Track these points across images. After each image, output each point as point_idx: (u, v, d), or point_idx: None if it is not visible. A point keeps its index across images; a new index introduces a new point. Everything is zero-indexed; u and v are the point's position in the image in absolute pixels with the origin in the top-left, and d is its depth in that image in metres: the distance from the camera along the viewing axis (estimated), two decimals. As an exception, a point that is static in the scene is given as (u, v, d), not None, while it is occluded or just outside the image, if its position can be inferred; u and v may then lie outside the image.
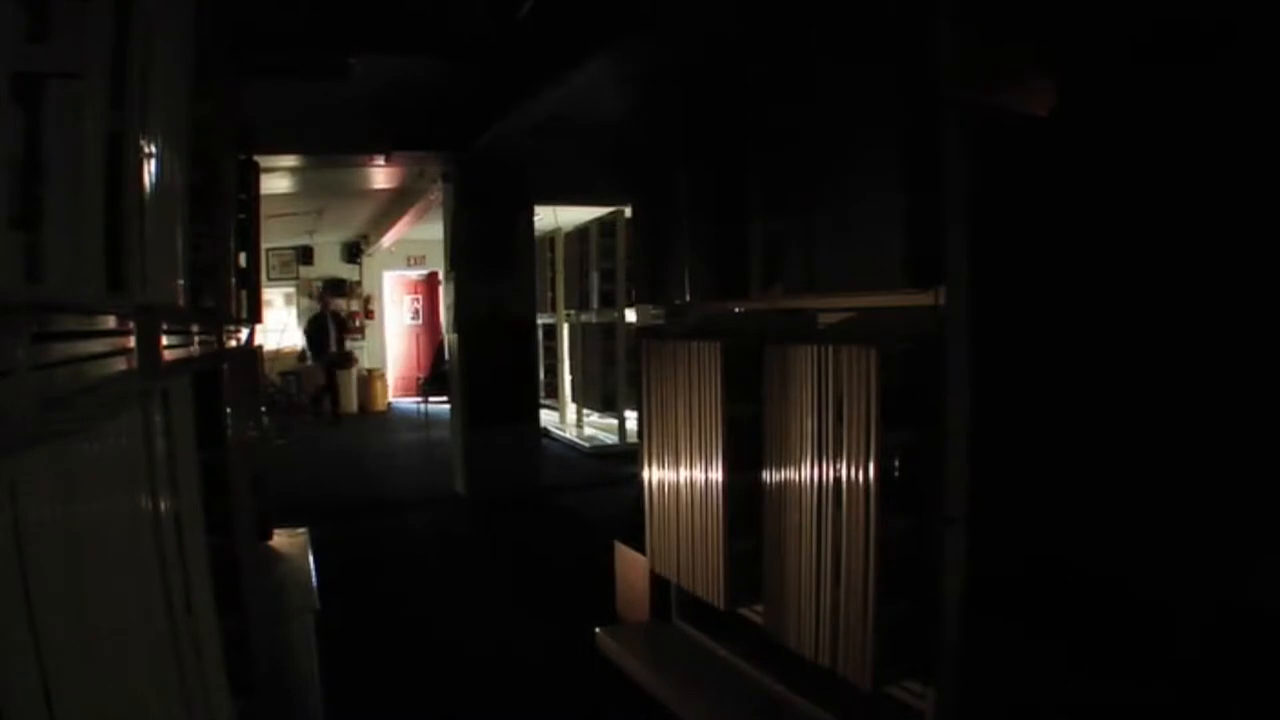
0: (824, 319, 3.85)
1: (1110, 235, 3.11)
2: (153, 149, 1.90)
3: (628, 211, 10.31)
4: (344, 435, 14.11)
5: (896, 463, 3.07)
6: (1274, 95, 2.72)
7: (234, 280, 4.69)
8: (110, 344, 1.81)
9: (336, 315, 16.94)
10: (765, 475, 3.67)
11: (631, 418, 9.71)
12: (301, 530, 5.86)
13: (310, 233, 16.17)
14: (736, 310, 4.29)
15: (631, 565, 5.08)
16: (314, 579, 4.88)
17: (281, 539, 5.71)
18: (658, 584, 4.82)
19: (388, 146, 8.45)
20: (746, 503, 3.81)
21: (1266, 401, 2.75)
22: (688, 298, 4.57)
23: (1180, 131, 2.93)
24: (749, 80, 4.08)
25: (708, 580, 4.06)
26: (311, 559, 5.23)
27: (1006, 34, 3.08)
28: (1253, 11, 2.76)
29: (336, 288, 18.18)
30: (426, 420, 13.73)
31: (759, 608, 3.87)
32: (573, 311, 12.52)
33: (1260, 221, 2.78)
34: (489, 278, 8.87)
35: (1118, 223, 3.09)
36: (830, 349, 3.23)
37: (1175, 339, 2.94)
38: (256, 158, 6.35)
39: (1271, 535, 2.78)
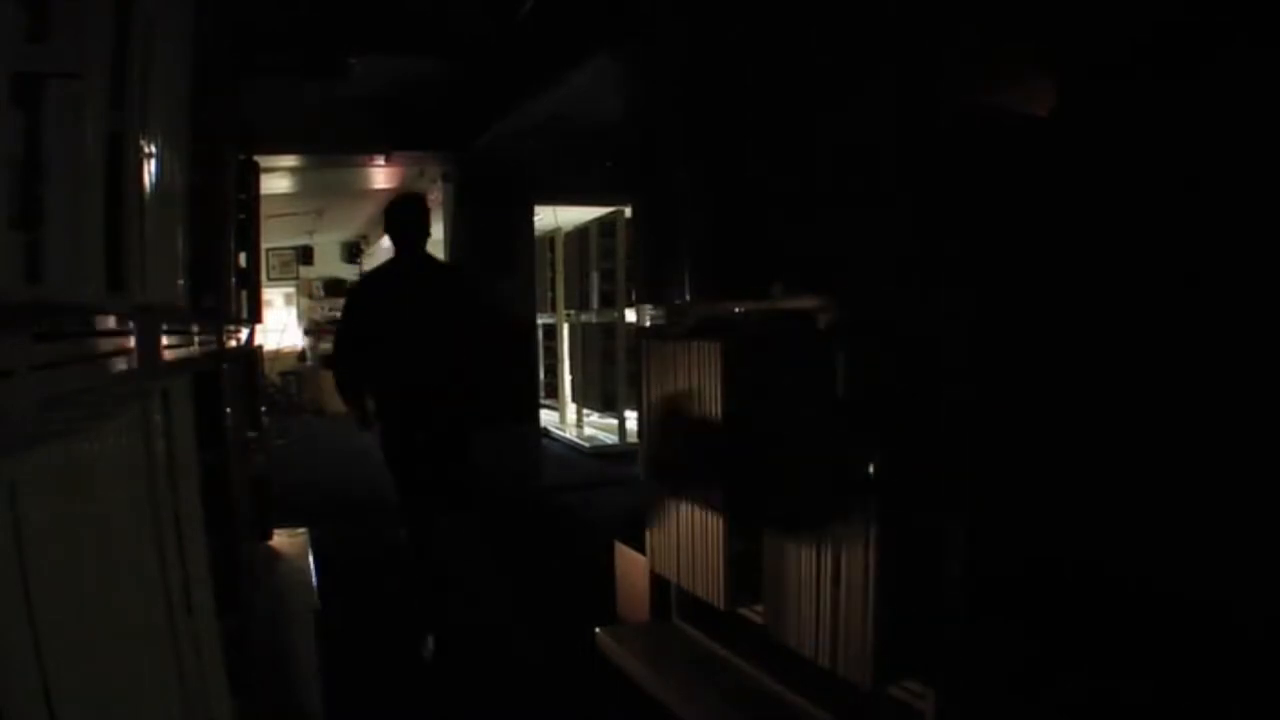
0: (825, 319, 3.85)
1: (1114, 232, 3.11)
2: (153, 149, 1.90)
3: (628, 211, 10.31)
4: (345, 436, 14.08)
5: (898, 462, 3.07)
6: (1272, 96, 2.72)
7: (234, 280, 4.70)
8: (110, 344, 1.82)
9: (453, 276, 6.07)
10: (763, 474, 3.67)
11: (631, 418, 9.72)
12: (302, 530, 5.86)
13: (310, 233, 16.17)
14: (736, 310, 4.29)
15: (631, 565, 5.08)
16: (314, 579, 4.88)
17: (281, 539, 5.71)
18: (658, 584, 4.82)
19: (388, 146, 8.46)
20: (745, 501, 3.81)
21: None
22: (687, 298, 4.58)
23: (1181, 132, 2.94)
24: (749, 79, 4.08)
25: (708, 580, 4.06)
26: (311, 559, 5.23)
27: (1006, 34, 3.08)
28: (1252, 12, 2.77)
29: (336, 286, 18.02)
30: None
31: (759, 608, 3.87)
32: (573, 311, 12.53)
33: (1258, 217, 2.79)
34: (489, 278, 8.87)
35: (1120, 221, 3.09)
36: (830, 348, 3.23)
37: (1178, 334, 2.95)
38: (256, 158, 6.35)
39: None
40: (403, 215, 5.30)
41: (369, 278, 6.03)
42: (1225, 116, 2.85)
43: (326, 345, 17.02)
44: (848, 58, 3.44)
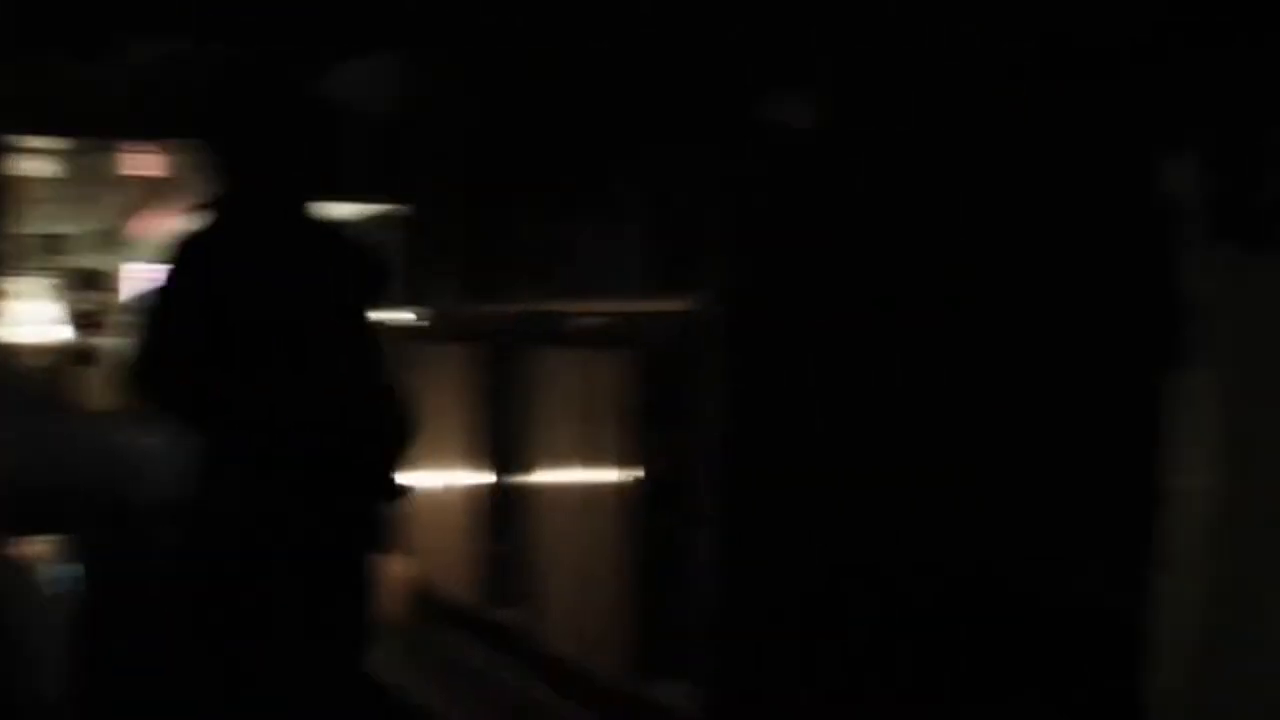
0: (581, 324, 3.86)
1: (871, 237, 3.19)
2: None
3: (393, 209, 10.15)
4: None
5: (654, 465, 3.10)
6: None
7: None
8: None
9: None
10: (522, 478, 3.67)
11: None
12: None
13: (64, 220, 15.30)
14: (496, 315, 4.28)
15: (389, 572, 5.01)
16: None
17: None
18: (415, 590, 4.75)
19: (151, 132, 8.11)
20: (505, 506, 3.80)
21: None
22: (449, 301, 4.54)
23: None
24: (513, 84, 4.08)
25: (464, 584, 4.03)
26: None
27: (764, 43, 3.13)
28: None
29: (92, 279, 17.03)
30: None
31: (517, 610, 3.86)
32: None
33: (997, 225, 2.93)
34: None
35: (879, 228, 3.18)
36: (586, 354, 3.25)
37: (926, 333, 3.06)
38: (9, 138, 6.00)
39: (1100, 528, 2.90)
40: (265, 120, 2.77)
41: (206, 241, 2.69)
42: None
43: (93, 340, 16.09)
44: (611, 65, 3.47)
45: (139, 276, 17.92)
